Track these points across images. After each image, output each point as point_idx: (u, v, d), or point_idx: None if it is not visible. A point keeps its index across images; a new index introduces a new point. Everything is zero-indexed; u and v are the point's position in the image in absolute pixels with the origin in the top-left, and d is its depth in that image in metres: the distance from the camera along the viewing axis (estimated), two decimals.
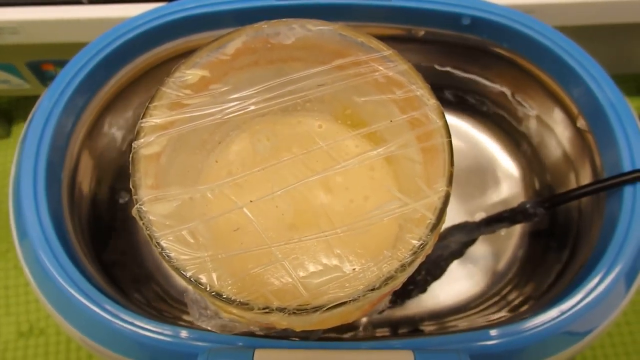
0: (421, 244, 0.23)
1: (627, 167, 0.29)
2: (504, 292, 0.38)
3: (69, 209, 0.30)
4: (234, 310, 0.24)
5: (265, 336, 0.27)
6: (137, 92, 0.34)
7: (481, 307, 0.38)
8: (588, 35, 0.37)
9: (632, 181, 0.28)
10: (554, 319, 0.26)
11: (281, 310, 0.22)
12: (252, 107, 0.26)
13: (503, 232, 0.40)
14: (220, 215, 0.25)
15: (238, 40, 0.27)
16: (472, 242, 0.40)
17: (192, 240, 0.23)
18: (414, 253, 0.23)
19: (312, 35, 0.27)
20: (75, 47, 0.31)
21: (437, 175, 0.25)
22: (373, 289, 0.23)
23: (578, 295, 0.27)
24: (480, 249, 0.40)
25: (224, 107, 0.26)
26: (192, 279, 0.23)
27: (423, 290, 0.40)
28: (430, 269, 0.40)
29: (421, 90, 0.26)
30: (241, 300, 0.23)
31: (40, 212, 0.27)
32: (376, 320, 0.38)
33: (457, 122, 0.43)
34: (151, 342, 0.25)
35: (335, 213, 0.26)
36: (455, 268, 0.40)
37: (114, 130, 0.35)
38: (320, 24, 0.27)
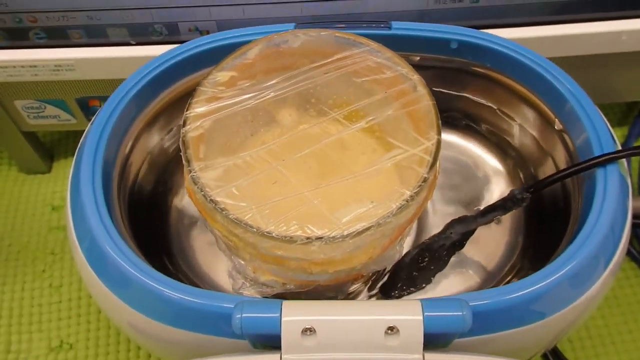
0: (424, 178, 0.29)
1: (597, 152, 0.33)
2: (508, 279, 0.41)
3: (119, 205, 0.35)
4: (279, 251, 0.28)
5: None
6: (178, 109, 0.38)
7: None
8: (569, 66, 0.39)
9: (602, 163, 0.33)
10: (534, 284, 0.29)
11: (319, 238, 0.27)
12: (273, 94, 0.33)
13: (499, 220, 0.43)
14: (260, 173, 0.30)
15: (255, 49, 0.34)
16: (471, 232, 0.42)
17: (239, 194, 0.29)
18: (419, 186, 0.29)
19: (313, 39, 0.34)
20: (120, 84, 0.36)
21: (428, 129, 0.31)
22: (392, 215, 0.28)
23: (556, 266, 0.29)
24: (481, 241, 0.43)
25: (251, 95, 0.32)
26: (244, 224, 0.28)
27: (428, 280, 0.44)
28: (433, 259, 0.43)
29: (405, 70, 0.33)
30: (285, 235, 0.28)
31: (101, 213, 0.31)
32: None
33: (451, 138, 0.47)
34: (193, 305, 0.28)
35: (352, 163, 0.31)
36: (458, 260, 0.42)
37: (157, 139, 0.40)
38: (319, 30, 0.34)
